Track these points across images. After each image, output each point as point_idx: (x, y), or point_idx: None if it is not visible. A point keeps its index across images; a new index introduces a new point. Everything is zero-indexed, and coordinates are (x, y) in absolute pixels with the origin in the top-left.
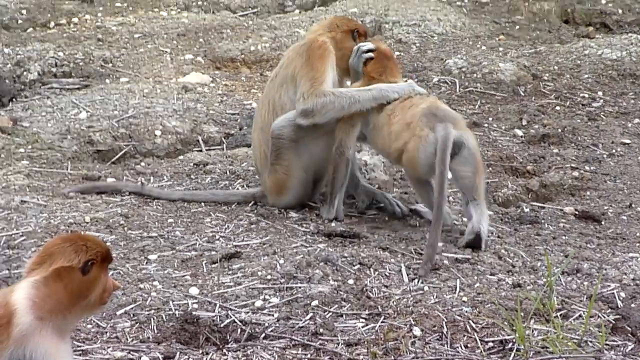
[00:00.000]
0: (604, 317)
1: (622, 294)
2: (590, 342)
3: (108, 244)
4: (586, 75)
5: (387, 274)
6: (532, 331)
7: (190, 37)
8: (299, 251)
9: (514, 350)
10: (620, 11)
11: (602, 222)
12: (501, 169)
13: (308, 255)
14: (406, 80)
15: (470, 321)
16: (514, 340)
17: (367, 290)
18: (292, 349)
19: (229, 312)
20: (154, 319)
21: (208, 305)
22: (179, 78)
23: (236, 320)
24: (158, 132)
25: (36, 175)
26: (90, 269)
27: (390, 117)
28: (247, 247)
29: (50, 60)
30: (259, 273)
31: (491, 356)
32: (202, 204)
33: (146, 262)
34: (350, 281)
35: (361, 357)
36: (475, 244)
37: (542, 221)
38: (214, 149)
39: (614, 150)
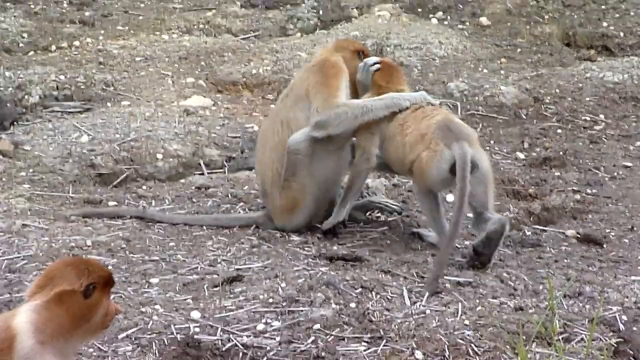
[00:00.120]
0: (606, 340)
1: (624, 317)
2: None
3: (110, 267)
4: (588, 98)
5: (389, 297)
6: (534, 355)
7: (191, 61)
8: (301, 274)
9: None
10: (622, 34)
11: (604, 245)
12: (503, 192)
13: (310, 279)
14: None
15: (472, 345)
16: None
17: (369, 313)
18: None
19: (231, 335)
20: (155, 342)
21: (210, 329)
22: (180, 101)
23: (238, 344)
24: (160, 156)
25: (38, 199)
26: (92, 293)
27: (402, 127)
28: (248, 270)
29: (51, 84)
30: (261, 296)
31: None
32: (204, 227)
33: (148, 286)
34: (352, 304)
35: None
36: (496, 235)
37: (544, 244)
38: (215, 173)
39: (615, 174)
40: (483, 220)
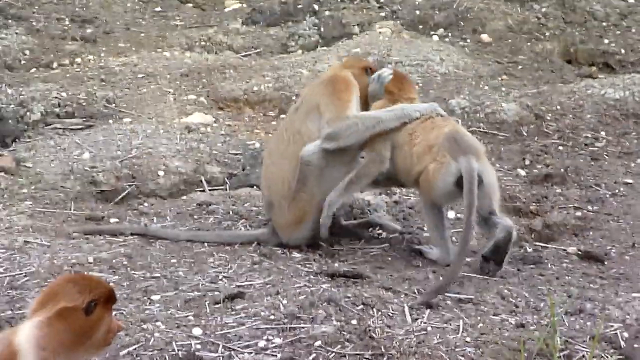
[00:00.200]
0: (607, 357)
1: (625, 334)
2: None
3: (111, 284)
4: (589, 115)
5: (390, 314)
6: None
7: (193, 78)
8: (302, 291)
9: None
10: (623, 51)
11: (605, 262)
12: (504, 209)
13: (311, 296)
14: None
15: None
16: None
17: (370, 330)
18: None
19: (232, 352)
20: (156, 359)
21: (211, 345)
22: (182, 118)
23: None
24: (161, 173)
25: (39, 216)
26: (93, 310)
27: (411, 137)
28: (250, 287)
29: (53, 101)
30: (262, 313)
31: None
32: (205, 244)
33: (149, 303)
34: (354, 321)
35: None
36: (504, 242)
37: (546, 261)
38: (217, 189)
39: (617, 190)
40: (491, 225)
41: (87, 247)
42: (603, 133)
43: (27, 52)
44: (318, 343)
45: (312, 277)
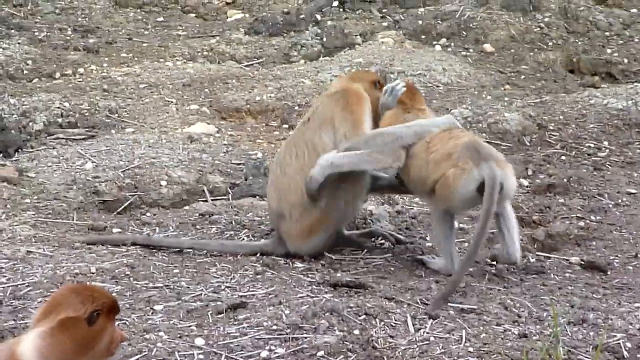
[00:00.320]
0: None
1: (628, 344)
2: None
3: (114, 294)
4: (592, 125)
5: (393, 324)
6: None
7: (195, 88)
8: (305, 301)
9: None
10: (626, 61)
11: (608, 272)
12: None
13: (314, 306)
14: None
15: None
16: None
17: (373, 340)
18: None
19: None
20: None
21: (214, 355)
22: (184, 128)
23: None
24: (164, 182)
25: (42, 226)
26: (96, 320)
27: (428, 145)
28: (252, 297)
29: (56, 111)
30: (265, 323)
31: None
32: (208, 254)
33: (152, 313)
34: (356, 331)
35: None
36: (503, 261)
37: (548, 271)
38: (219, 199)
39: (619, 200)
40: (505, 243)
41: (90, 257)
42: (606, 143)
43: (30, 62)
44: (321, 353)
45: (314, 287)
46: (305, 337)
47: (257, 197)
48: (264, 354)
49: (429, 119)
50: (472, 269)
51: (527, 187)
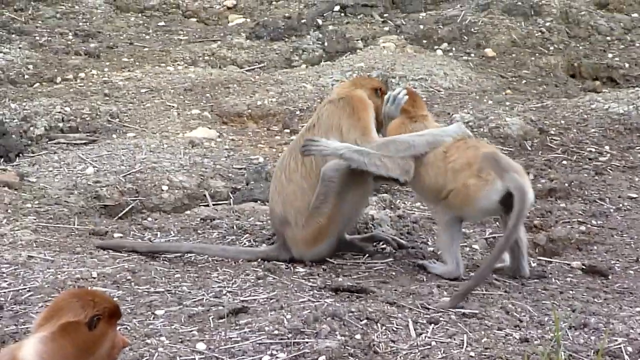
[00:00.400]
0: None
1: (629, 349)
2: None
3: (115, 299)
4: (593, 130)
5: (395, 329)
6: None
7: (197, 92)
8: (306, 306)
9: None
10: (627, 65)
11: (609, 277)
12: None
13: (315, 310)
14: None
15: None
16: None
17: (374, 345)
18: None
19: None
20: None
21: None
22: (185, 133)
23: None
24: (165, 187)
25: (43, 231)
26: (96, 324)
27: (445, 155)
28: (254, 302)
29: (57, 116)
30: (266, 328)
31: None
32: (210, 258)
33: (153, 318)
34: (358, 336)
35: None
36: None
37: (550, 276)
38: (220, 204)
39: (621, 205)
40: (516, 257)
41: (91, 262)
42: (607, 147)
43: (31, 66)
44: (322, 358)
45: (316, 291)
46: (307, 342)
47: (259, 201)
48: (266, 358)
49: (439, 128)
50: (473, 274)
51: None
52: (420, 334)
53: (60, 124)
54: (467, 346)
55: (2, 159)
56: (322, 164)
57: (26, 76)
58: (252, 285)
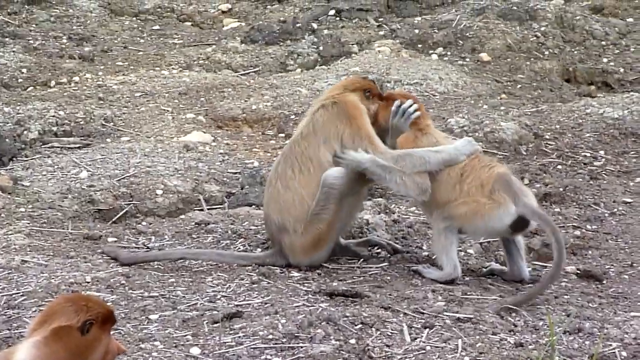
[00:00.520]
0: None
1: (624, 353)
2: None
3: (109, 303)
4: (588, 134)
5: (389, 334)
6: None
7: (191, 96)
8: (301, 311)
9: None
10: (622, 70)
11: (604, 282)
12: None
13: (310, 315)
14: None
15: None
16: None
17: (369, 349)
18: None
19: None
20: None
21: None
22: (180, 137)
23: None
24: (159, 192)
25: (37, 235)
26: (89, 329)
27: (460, 174)
28: (248, 306)
29: (50, 119)
30: (261, 333)
31: None
32: (204, 263)
33: (147, 322)
34: (352, 341)
35: None
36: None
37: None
38: (215, 208)
39: (615, 210)
40: (512, 261)
41: (85, 266)
42: (602, 152)
43: (25, 70)
44: None
45: (310, 296)
46: (301, 347)
47: (254, 206)
48: None
49: (452, 144)
50: (468, 279)
51: None
52: (415, 338)
53: (54, 128)
54: (461, 351)
55: None
56: (322, 171)
57: (20, 80)
58: (246, 289)
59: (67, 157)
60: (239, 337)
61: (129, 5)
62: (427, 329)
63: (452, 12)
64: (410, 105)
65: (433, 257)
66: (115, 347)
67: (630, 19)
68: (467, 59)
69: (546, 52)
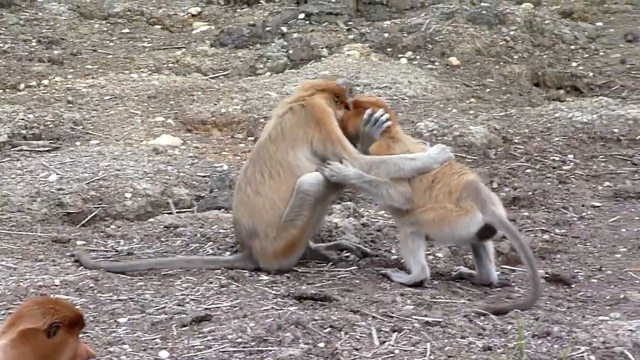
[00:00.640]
0: None
1: (592, 357)
2: None
3: (78, 307)
4: (557, 138)
5: (358, 337)
6: None
7: (161, 100)
8: (270, 314)
9: None
10: (591, 74)
11: (573, 285)
12: None
13: (279, 318)
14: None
15: None
16: None
17: (337, 353)
18: None
19: None
20: None
21: None
22: (149, 140)
23: None
24: (128, 195)
25: (5, 238)
26: (55, 332)
27: (431, 180)
28: (217, 310)
29: (20, 123)
30: (230, 336)
31: None
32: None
33: (116, 326)
34: (321, 344)
35: None
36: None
37: (513, 284)
38: (184, 212)
39: (584, 214)
40: (481, 265)
41: (54, 269)
42: (571, 156)
43: None
44: None
45: (279, 299)
46: (270, 350)
47: (223, 209)
48: None
49: (426, 152)
50: (437, 282)
51: None
52: (384, 342)
53: (24, 131)
54: (430, 354)
55: None
56: (292, 175)
57: None
58: (215, 293)
59: (36, 161)
60: (208, 340)
61: (99, 9)
62: (396, 333)
63: (421, 16)
64: (382, 115)
65: (402, 261)
66: (84, 351)
67: (600, 23)
68: (437, 63)
69: (515, 56)
